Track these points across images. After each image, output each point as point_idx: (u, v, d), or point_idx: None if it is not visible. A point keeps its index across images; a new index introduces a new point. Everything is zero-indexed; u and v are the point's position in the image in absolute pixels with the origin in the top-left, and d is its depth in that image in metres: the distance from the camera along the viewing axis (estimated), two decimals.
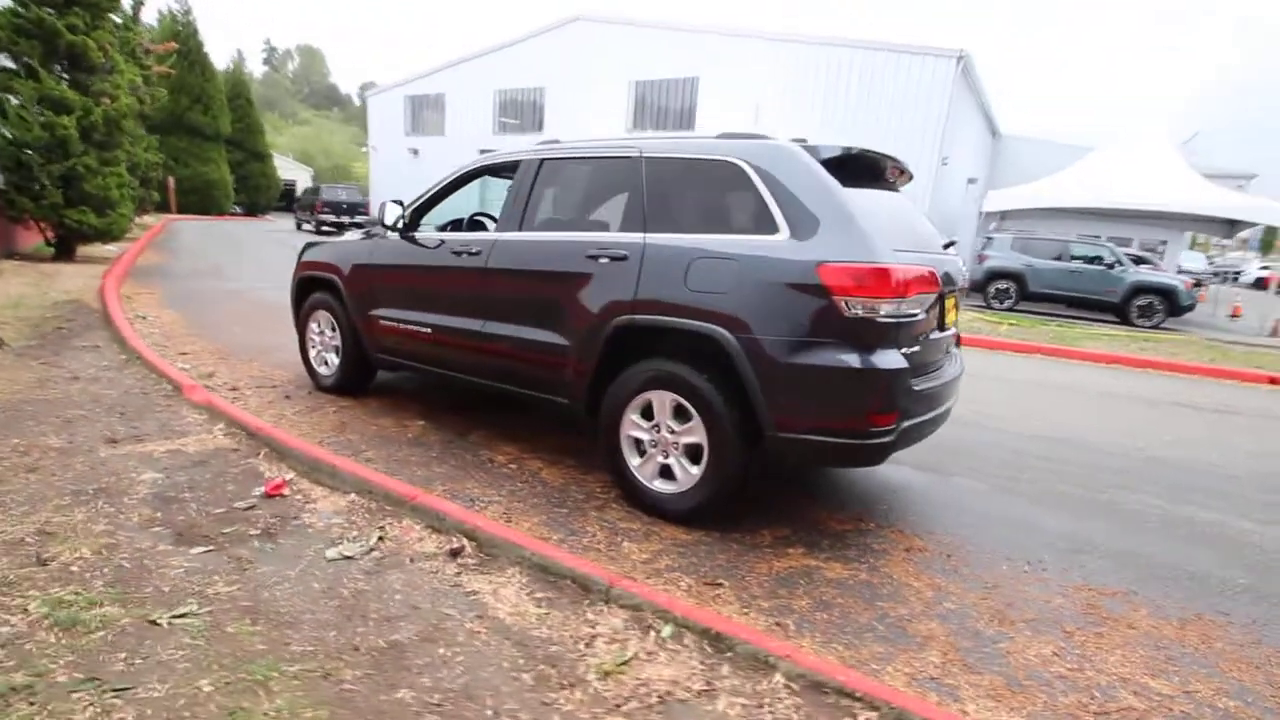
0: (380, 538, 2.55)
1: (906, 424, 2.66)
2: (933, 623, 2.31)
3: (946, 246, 3.31)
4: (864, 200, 2.72)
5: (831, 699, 1.77)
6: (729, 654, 1.93)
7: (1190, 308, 13.13)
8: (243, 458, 3.27)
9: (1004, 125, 23.57)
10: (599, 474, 3.44)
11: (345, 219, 22.85)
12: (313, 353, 4.72)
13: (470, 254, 3.59)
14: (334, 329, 4.49)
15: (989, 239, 14.66)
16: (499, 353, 3.50)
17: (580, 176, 3.48)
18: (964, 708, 1.88)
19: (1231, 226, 17.36)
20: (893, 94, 16.63)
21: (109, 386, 4.28)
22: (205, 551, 2.38)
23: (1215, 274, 28.57)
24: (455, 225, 4.29)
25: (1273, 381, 7.08)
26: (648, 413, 2.98)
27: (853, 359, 2.52)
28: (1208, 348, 9.88)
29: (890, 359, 2.55)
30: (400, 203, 3.98)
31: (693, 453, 2.87)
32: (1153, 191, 14.02)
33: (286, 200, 35.39)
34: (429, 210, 4.09)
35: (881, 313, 2.51)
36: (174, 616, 1.97)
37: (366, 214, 23.65)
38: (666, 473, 2.97)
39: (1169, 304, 12.76)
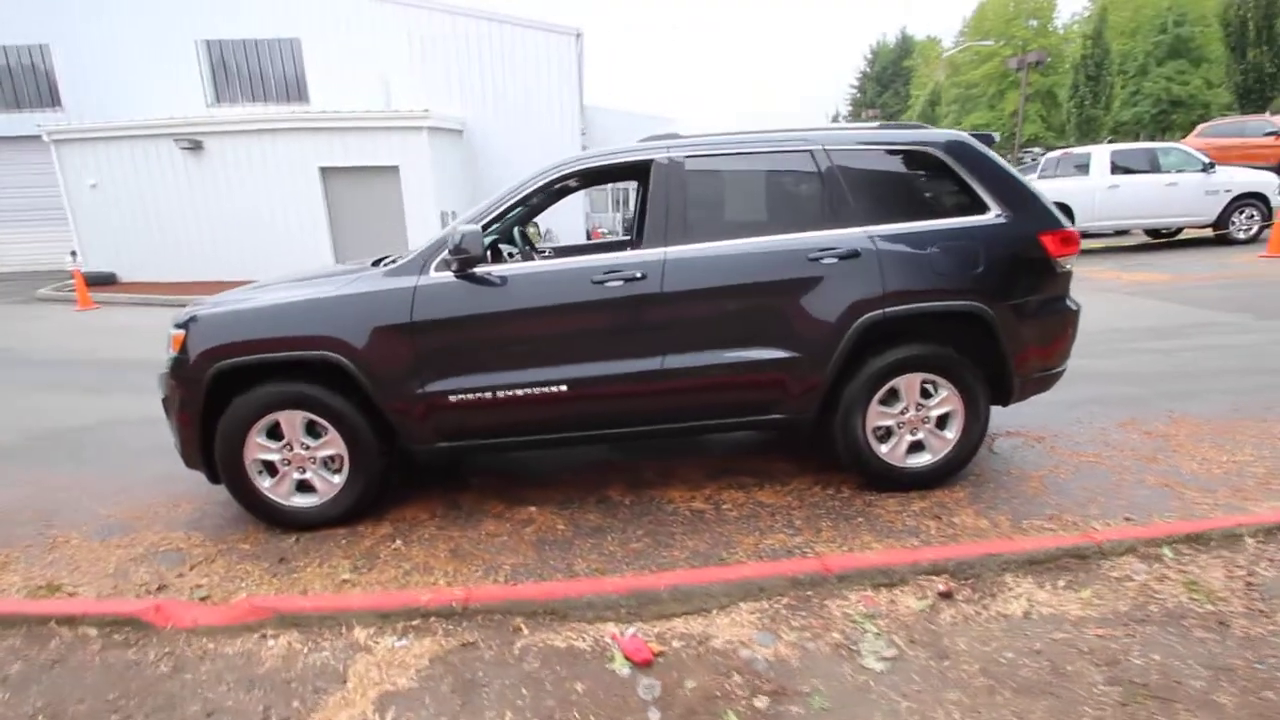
0: (869, 617, 2.15)
1: None
2: (1149, 475, 3.23)
3: None
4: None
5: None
6: (1211, 543, 2.45)
7: None
8: (503, 645, 2.11)
9: (587, 97, 26.48)
10: (802, 480, 3.37)
11: None
12: (268, 483, 3.02)
13: (628, 279, 2.88)
14: (318, 435, 2.97)
15: None
16: (691, 388, 2.99)
17: (742, 174, 3.10)
18: (1261, 509, 2.81)
19: None
20: (524, 68, 16.99)
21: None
22: None
23: None
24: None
25: None
26: (885, 399, 3.08)
27: (1070, 304, 3.16)
28: None
29: (1076, 301, 3.26)
30: (476, 227, 2.81)
31: (940, 422, 3.13)
32: None
33: None
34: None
35: (1068, 266, 3.18)
36: None
37: None
38: (916, 448, 3.16)
39: None
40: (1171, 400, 4.27)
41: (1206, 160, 11.41)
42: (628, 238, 4.88)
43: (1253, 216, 11.46)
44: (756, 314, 2.96)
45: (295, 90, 16.78)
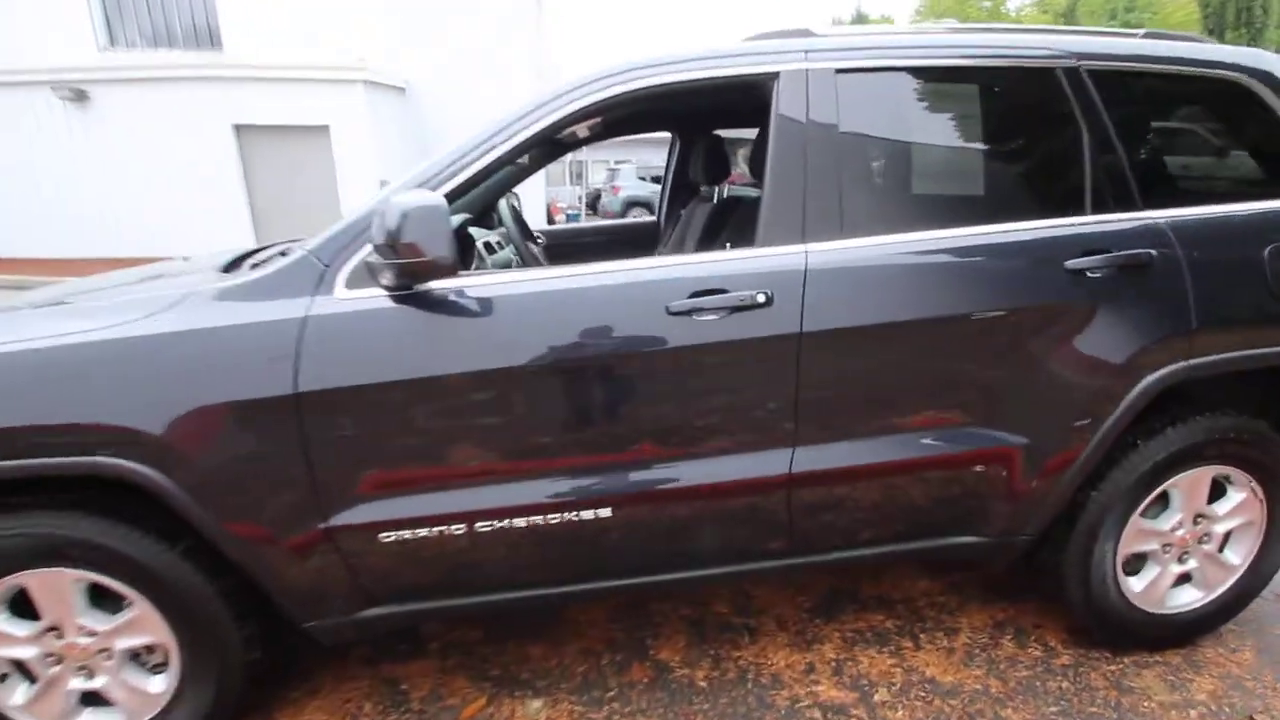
0: None
1: None
2: None
3: None
4: None
5: None
6: None
7: None
8: None
9: (551, 59, 24.44)
10: (971, 620, 2.08)
11: None
12: (19, 699, 1.54)
13: (738, 308, 1.48)
14: (116, 607, 1.50)
15: (614, 171, 15.35)
16: (837, 501, 1.64)
17: (937, 107, 1.71)
18: None
19: None
20: (477, 20, 14.90)
21: None
22: None
23: None
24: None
25: None
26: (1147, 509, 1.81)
27: None
28: None
29: None
30: (435, 198, 1.34)
31: (1222, 541, 1.89)
32: None
33: None
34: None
35: None
36: None
37: None
38: (1179, 582, 1.91)
39: None
40: None
41: None
42: (649, 219, 3.47)
43: None
44: (961, 372, 1.62)
45: (207, 36, 14.36)
